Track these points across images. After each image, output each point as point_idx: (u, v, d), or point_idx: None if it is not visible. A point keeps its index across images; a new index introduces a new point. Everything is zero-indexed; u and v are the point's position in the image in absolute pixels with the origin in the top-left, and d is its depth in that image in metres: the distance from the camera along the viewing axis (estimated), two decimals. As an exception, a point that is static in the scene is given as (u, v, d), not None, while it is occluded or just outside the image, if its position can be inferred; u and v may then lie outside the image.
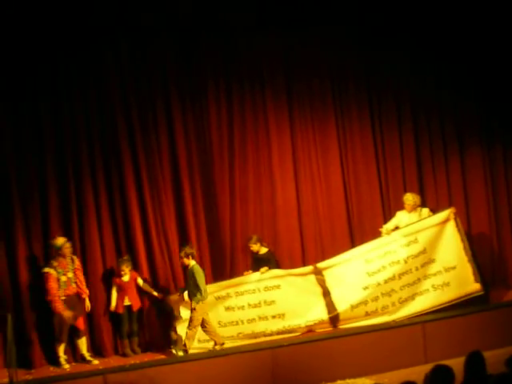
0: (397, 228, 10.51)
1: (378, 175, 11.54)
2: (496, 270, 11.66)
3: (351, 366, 9.33)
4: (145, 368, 8.96)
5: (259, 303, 10.09)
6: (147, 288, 10.15)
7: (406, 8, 11.24)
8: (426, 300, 10.12)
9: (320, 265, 10.31)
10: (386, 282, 10.11)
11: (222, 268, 10.80)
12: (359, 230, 11.36)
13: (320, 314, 10.08)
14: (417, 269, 10.15)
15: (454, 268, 10.15)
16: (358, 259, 10.26)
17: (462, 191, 11.82)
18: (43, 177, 9.97)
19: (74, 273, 9.74)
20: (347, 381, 9.25)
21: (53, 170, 9.98)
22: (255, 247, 10.38)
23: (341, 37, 11.34)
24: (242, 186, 10.88)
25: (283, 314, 10.09)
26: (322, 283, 10.17)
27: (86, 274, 10.01)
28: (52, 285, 9.47)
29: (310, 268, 10.33)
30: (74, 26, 9.93)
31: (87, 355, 9.82)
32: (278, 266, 10.50)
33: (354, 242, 11.25)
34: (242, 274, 10.43)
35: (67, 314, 9.42)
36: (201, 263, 10.27)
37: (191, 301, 9.60)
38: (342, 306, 10.06)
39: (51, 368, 9.66)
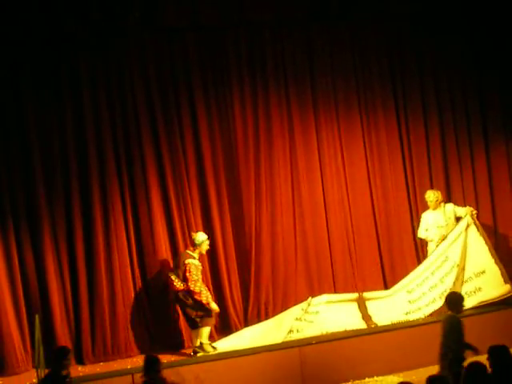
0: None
1: (404, 171, 11.47)
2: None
3: (379, 363, 9.31)
4: (175, 367, 8.92)
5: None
6: None
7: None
8: None
9: (366, 295, 10.36)
10: (427, 305, 10.10)
11: (248, 267, 10.80)
12: (385, 226, 11.32)
13: (358, 325, 9.98)
14: (454, 284, 10.06)
15: (483, 272, 10.11)
16: (401, 291, 10.38)
17: (488, 185, 11.74)
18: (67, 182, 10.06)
19: None
20: (375, 378, 9.26)
21: (76, 171, 10.06)
22: None
23: (364, 29, 11.33)
24: (267, 184, 10.83)
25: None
26: (363, 311, 10.17)
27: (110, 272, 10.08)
28: None
29: (354, 296, 10.36)
30: (98, 22, 10.03)
31: None
32: None
33: (379, 238, 11.29)
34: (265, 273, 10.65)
35: None
36: (226, 261, 10.51)
37: None
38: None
39: (79, 368, 9.73)
